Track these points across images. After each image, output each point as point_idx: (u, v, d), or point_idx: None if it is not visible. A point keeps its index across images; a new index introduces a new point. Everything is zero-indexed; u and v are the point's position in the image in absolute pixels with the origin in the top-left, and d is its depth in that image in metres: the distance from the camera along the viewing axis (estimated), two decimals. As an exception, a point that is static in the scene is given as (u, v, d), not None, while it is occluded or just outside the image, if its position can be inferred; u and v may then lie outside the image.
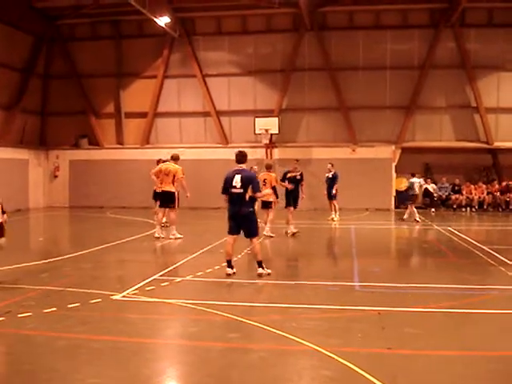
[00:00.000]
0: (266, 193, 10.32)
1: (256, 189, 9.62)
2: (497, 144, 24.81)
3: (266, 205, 14.73)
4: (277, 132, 25.05)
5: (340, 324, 6.71)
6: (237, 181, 9.50)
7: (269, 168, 14.90)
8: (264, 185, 14.14)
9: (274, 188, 14.69)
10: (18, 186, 25.21)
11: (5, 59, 24.35)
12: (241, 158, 9.79)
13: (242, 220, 9.60)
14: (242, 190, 9.48)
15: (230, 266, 9.64)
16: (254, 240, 9.67)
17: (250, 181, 9.56)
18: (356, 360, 5.22)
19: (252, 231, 9.69)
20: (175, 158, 14.94)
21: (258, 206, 11.91)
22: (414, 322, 6.73)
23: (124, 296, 7.92)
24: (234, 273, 9.60)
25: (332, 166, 19.87)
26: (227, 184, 9.61)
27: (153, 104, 27.09)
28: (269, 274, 9.54)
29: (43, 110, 28.15)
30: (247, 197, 9.53)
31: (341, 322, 6.82)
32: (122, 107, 27.60)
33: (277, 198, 15.12)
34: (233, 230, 9.68)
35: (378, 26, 25.40)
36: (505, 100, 24.79)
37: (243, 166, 9.76)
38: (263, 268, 9.60)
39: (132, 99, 27.39)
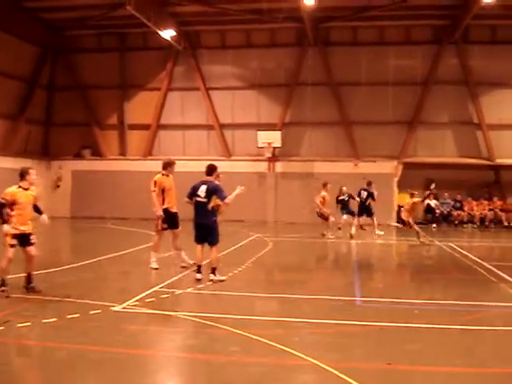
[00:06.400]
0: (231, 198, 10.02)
1: (222, 197, 9.97)
2: (499, 161, 24.79)
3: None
4: (279, 146, 25.16)
5: (341, 339, 6.68)
6: (202, 190, 10.02)
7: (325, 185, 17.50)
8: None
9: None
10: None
11: (10, 70, 24.49)
12: (209, 170, 10.37)
13: (206, 229, 10.08)
14: (205, 200, 9.98)
15: (199, 271, 10.06)
16: (214, 248, 10.08)
17: (213, 191, 9.99)
18: (356, 375, 5.19)
19: (213, 240, 10.10)
20: (163, 167, 11.75)
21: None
22: (415, 338, 6.69)
23: (124, 307, 7.90)
24: (200, 279, 9.93)
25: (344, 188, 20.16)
26: (193, 191, 10.15)
27: (156, 116, 27.20)
28: (221, 281, 9.87)
29: (47, 121, 28.27)
30: (210, 207, 9.99)
31: (342, 336, 6.79)
32: (125, 119, 27.73)
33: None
34: (198, 239, 10.17)
35: (382, 42, 25.55)
36: (507, 117, 24.79)
37: (211, 178, 10.27)
38: (215, 275, 9.97)
39: (136, 111, 27.51)
